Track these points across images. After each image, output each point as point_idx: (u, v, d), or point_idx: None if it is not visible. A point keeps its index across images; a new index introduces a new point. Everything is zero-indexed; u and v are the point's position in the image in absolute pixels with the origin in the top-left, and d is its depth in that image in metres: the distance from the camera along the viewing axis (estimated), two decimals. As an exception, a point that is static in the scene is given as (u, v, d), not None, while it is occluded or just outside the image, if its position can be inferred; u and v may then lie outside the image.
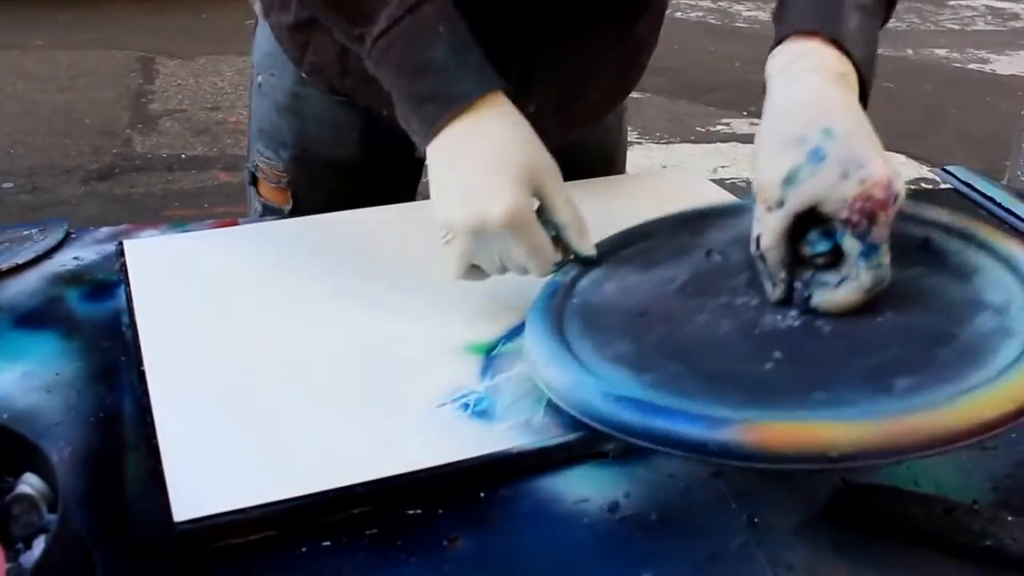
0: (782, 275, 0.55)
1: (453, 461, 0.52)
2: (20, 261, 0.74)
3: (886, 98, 3.69)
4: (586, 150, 0.90)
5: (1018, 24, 4.99)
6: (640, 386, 0.49)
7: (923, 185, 2.82)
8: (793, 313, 0.53)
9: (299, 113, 0.85)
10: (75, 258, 0.76)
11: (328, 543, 0.48)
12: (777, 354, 0.50)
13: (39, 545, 0.41)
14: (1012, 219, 0.89)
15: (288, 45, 0.82)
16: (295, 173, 0.86)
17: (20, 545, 0.42)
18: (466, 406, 0.57)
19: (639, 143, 3.10)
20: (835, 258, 0.54)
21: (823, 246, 0.54)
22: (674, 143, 3.18)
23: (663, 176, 1.44)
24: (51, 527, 0.41)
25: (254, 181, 0.89)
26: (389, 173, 0.88)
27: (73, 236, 0.79)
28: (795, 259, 0.55)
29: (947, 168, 1.01)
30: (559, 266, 0.62)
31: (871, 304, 0.52)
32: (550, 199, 0.60)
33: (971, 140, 3.24)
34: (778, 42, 0.58)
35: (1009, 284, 0.53)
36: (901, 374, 0.46)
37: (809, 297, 0.55)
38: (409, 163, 0.88)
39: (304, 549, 0.48)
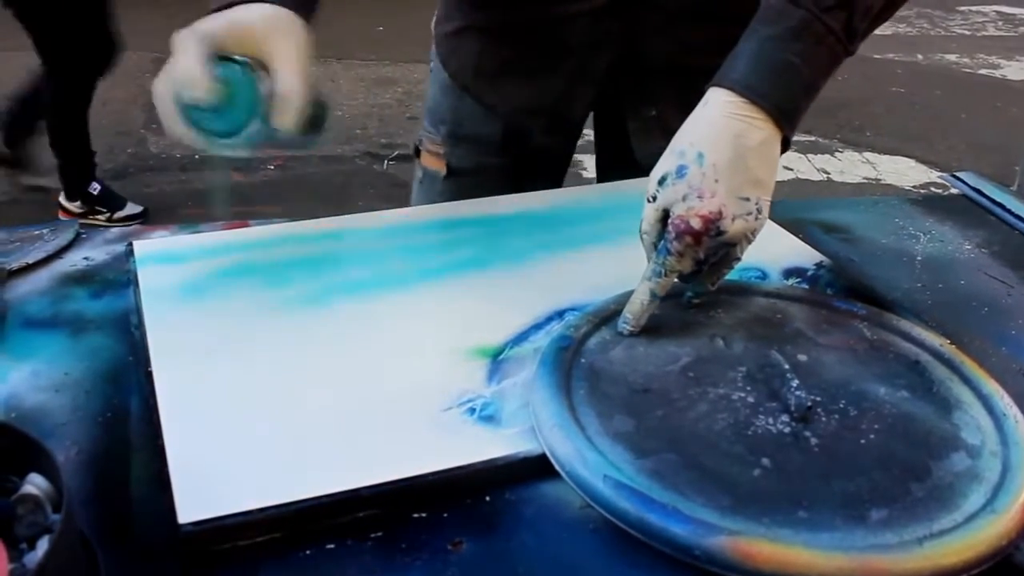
0: (654, 254, 0.63)
1: (459, 465, 0.52)
2: (31, 261, 0.74)
3: (896, 103, 3.68)
4: None
5: (1029, 30, 4.97)
6: (637, 472, 0.51)
7: (933, 190, 2.81)
8: (784, 418, 0.56)
9: (456, 95, 0.95)
10: (85, 258, 0.76)
11: (333, 545, 0.48)
12: (766, 461, 0.52)
13: (43, 545, 0.41)
14: (1021, 224, 0.89)
15: (441, 49, 0.96)
16: (450, 145, 0.97)
17: (24, 545, 0.42)
18: (472, 411, 0.57)
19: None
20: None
21: None
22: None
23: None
24: (55, 527, 0.41)
25: (417, 152, 1.00)
26: (531, 158, 0.96)
27: (83, 236, 0.79)
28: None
29: (956, 174, 1.00)
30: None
31: (858, 422, 0.56)
32: (271, 60, 0.63)
33: (981, 145, 3.22)
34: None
35: (985, 426, 0.57)
36: (877, 504, 0.50)
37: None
38: (551, 156, 1.00)
39: (308, 551, 0.48)
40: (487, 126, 0.95)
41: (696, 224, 0.60)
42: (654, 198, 0.63)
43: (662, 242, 0.62)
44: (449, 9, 0.94)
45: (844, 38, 0.62)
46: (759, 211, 0.61)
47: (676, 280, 0.65)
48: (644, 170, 0.91)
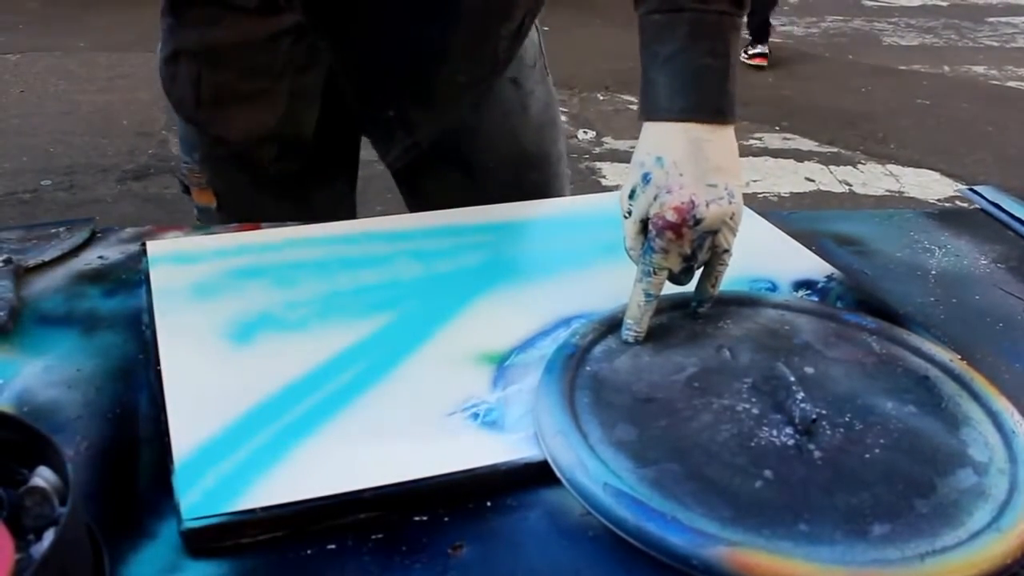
0: (641, 256, 0.64)
1: (461, 470, 0.53)
2: (47, 258, 0.76)
3: (921, 115, 3.65)
4: (479, 132, 0.93)
5: (1060, 42, 4.90)
6: (638, 480, 0.51)
7: (958, 204, 2.78)
8: (788, 430, 0.56)
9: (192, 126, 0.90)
10: (100, 257, 0.78)
11: (333, 546, 0.49)
12: (768, 473, 0.52)
13: (49, 537, 0.42)
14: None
15: (161, 77, 0.90)
16: (210, 171, 0.92)
17: (31, 536, 0.43)
18: (476, 416, 0.57)
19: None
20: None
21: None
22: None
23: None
24: (61, 520, 0.42)
25: (187, 189, 0.95)
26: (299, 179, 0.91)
27: (99, 235, 0.81)
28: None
29: (974, 188, 0.99)
30: None
31: (863, 436, 0.56)
32: None
33: (1008, 158, 3.19)
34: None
35: (993, 443, 0.56)
36: (879, 519, 0.49)
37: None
38: (315, 179, 0.93)
39: (309, 551, 0.48)
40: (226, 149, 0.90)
41: (672, 216, 0.61)
42: (629, 213, 0.64)
43: (646, 242, 0.63)
44: (163, 31, 0.90)
45: (734, 10, 0.63)
46: (731, 195, 0.62)
47: (672, 282, 0.65)
48: (396, 173, 0.88)
